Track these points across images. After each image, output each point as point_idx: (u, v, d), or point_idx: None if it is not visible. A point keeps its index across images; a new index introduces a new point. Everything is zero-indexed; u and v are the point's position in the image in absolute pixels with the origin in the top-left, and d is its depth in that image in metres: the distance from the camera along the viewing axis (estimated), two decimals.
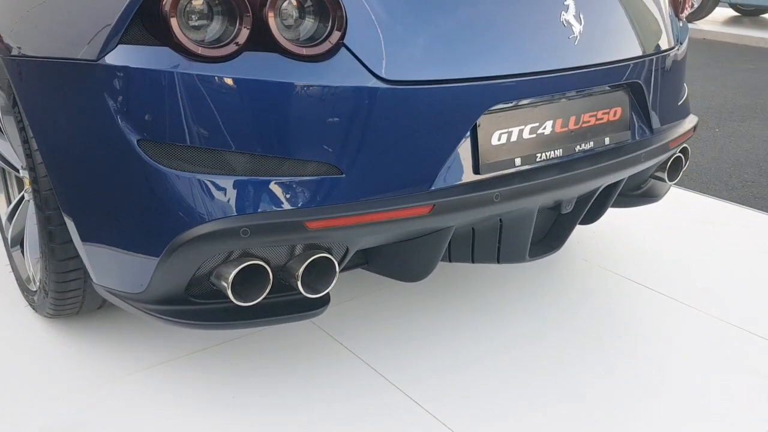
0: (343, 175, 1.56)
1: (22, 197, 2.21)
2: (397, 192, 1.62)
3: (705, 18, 9.40)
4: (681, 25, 2.24)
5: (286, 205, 1.53)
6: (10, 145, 2.19)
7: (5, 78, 1.84)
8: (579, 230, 2.82)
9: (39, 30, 1.72)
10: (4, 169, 2.44)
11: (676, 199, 3.24)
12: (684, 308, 2.32)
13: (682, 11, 2.23)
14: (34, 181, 1.82)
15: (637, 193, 2.40)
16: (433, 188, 1.65)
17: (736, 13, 10.16)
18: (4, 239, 2.35)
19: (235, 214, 1.51)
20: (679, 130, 2.19)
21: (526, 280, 2.46)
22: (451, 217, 1.70)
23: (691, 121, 2.30)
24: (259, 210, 1.52)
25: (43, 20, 1.71)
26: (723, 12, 10.13)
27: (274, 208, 1.53)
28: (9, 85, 1.82)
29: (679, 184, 3.50)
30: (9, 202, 2.45)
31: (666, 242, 2.80)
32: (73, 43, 1.58)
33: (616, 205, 2.36)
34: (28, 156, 1.82)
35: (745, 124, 4.92)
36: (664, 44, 2.08)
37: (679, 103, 2.24)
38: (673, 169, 2.28)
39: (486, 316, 2.23)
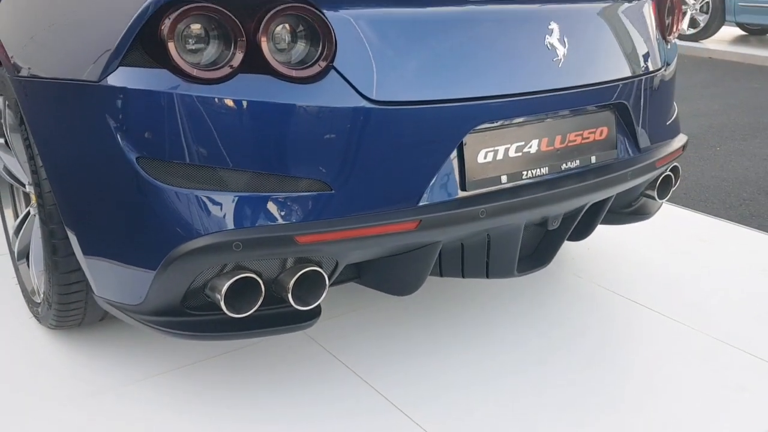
0: (333, 192, 1.62)
1: (29, 212, 2.28)
2: (385, 208, 1.67)
3: (711, 37, 9.43)
4: (669, 47, 2.29)
5: (277, 220, 1.59)
6: (17, 161, 2.27)
7: (13, 97, 1.92)
8: (575, 247, 2.87)
9: (45, 52, 1.80)
10: (12, 185, 2.52)
11: (673, 216, 3.28)
12: (674, 324, 2.36)
13: (670, 34, 2.28)
14: (39, 196, 1.89)
15: (628, 211, 2.45)
16: (420, 204, 1.70)
17: (743, 32, 10.18)
18: (11, 252, 2.42)
19: (227, 228, 1.57)
20: (667, 149, 2.23)
21: (524, 297, 2.49)
22: (437, 233, 1.75)
23: (680, 140, 2.35)
24: (251, 225, 1.58)
25: (50, 43, 1.79)
26: (730, 31, 10.15)
27: (266, 222, 1.59)
28: (16, 103, 1.90)
29: (676, 202, 3.53)
30: (16, 216, 2.53)
31: (660, 259, 2.84)
32: (76, 65, 1.65)
33: (607, 222, 2.41)
34: (34, 172, 1.89)
35: (747, 143, 4.94)
36: (649, 66, 2.13)
37: (668, 123, 2.29)
38: (663, 187, 2.33)
39: (488, 336, 2.25)
